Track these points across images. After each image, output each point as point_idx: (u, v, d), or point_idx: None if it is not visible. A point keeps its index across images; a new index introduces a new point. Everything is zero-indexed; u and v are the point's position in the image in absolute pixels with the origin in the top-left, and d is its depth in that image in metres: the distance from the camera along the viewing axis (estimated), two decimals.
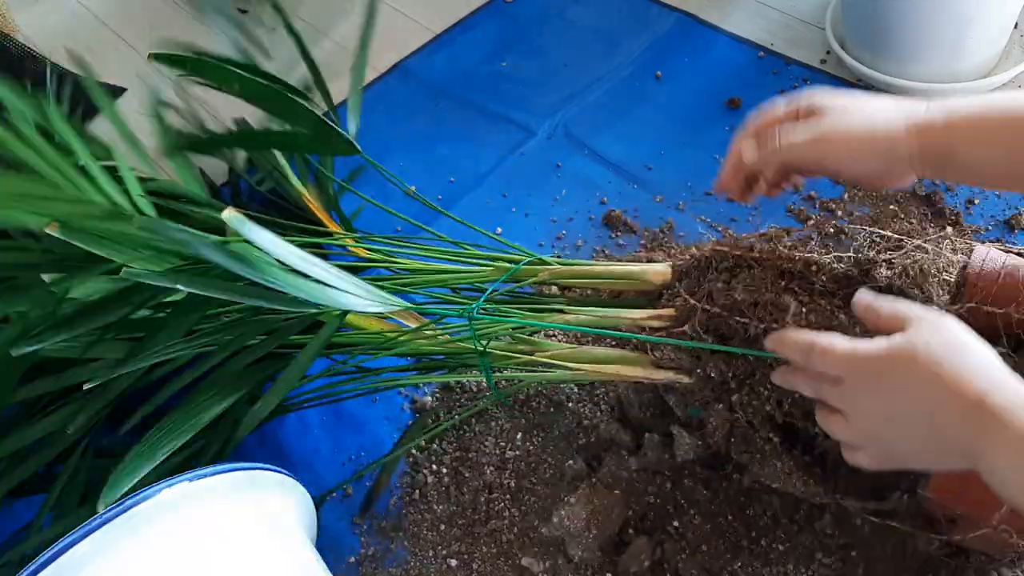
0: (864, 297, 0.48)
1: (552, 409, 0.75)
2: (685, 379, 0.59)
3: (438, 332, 0.67)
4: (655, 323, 0.61)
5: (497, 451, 0.74)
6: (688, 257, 0.63)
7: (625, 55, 1.08)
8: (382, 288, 0.64)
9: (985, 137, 0.47)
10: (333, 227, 0.80)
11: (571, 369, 0.62)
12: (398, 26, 1.16)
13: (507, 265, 0.69)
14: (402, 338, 0.67)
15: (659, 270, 0.64)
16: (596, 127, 1.01)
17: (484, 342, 0.63)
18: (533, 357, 0.63)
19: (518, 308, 0.78)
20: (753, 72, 1.02)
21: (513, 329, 0.66)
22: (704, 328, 0.58)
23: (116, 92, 1.20)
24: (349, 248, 0.78)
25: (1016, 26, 0.93)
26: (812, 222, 0.85)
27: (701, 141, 0.96)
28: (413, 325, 0.70)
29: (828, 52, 1.02)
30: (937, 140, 0.48)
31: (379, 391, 0.78)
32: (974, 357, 0.41)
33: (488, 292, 0.65)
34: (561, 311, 0.65)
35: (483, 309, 0.62)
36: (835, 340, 0.46)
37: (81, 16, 1.37)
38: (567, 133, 1.01)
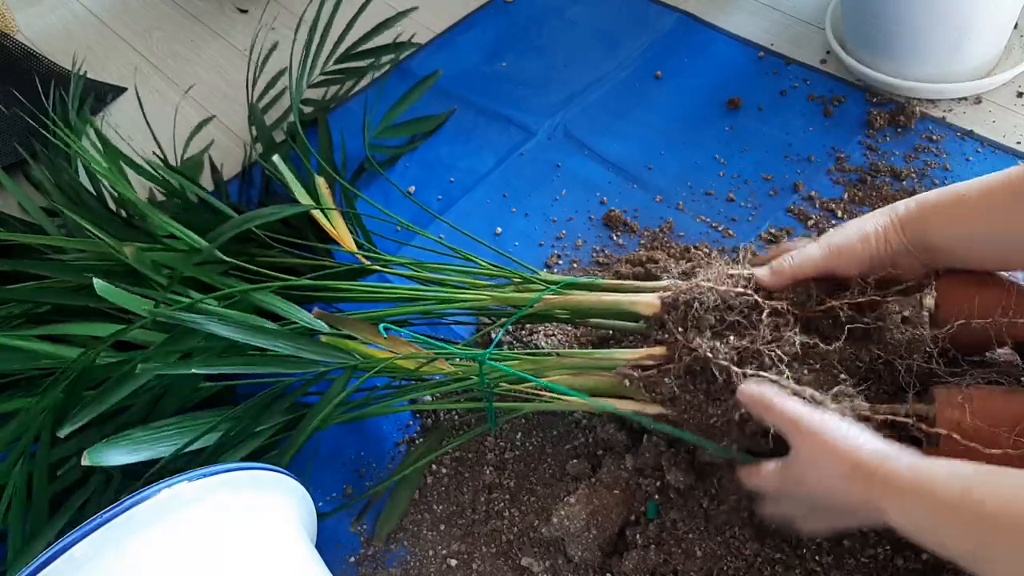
0: (754, 390, 0.54)
1: None
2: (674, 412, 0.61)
3: (461, 367, 0.69)
4: (648, 361, 0.62)
5: (497, 451, 0.74)
6: (672, 290, 0.64)
7: (625, 55, 1.08)
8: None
9: (956, 216, 0.54)
10: (342, 237, 0.80)
11: (568, 402, 0.64)
12: (397, 26, 1.16)
13: (504, 295, 0.71)
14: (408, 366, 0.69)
15: (648, 302, 0.64)
16: (596, 127, 1.01)
17: (490, 384, 0.65)
18: (534, 391, 0.65)
19: (518, 325, 0.79)
20: (753, 72, 1.02)
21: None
22: (689, 369, 0.60)
23: (116, 92, 1.21)
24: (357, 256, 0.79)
25: (1016, 26, 0.93)
26: (812, 222, 0.85)
27: (701, 141, 0.96)
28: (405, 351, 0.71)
29: (828, 52, 1.02)
30: (914, 227, 0.55)
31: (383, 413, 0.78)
32: (856, 440, 0.48)
33: (496, 339, 0.71)
34: (559, 354, 0.67)
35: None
36: (762, 472, 0.55)
37: (81, 16, 1.37)
38: (567, 133, 1.01)
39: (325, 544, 0.70)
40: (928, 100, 0.93)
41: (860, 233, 0.56)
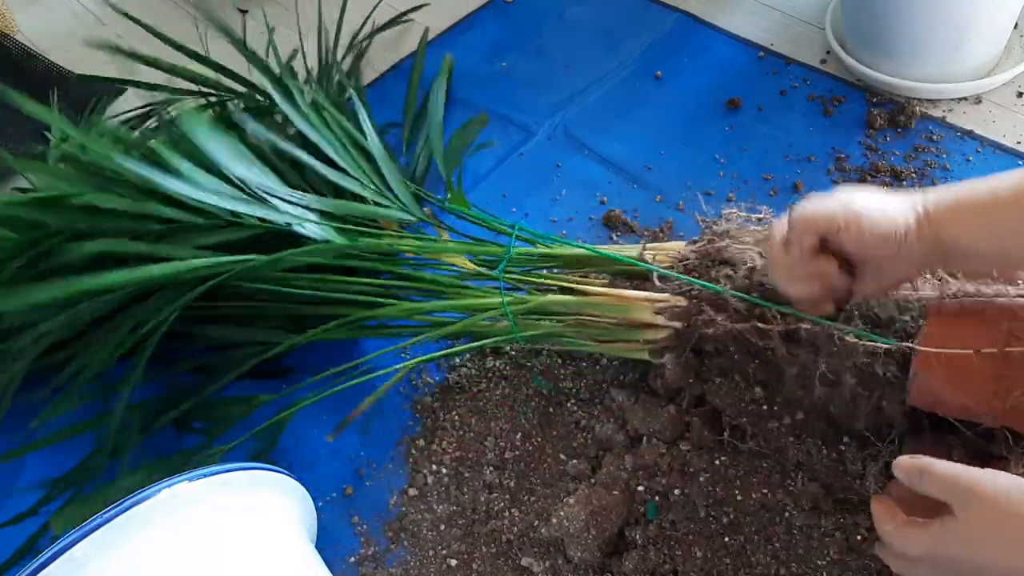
0: (914, 463, 0.48)
1: (552, 409, 0.75)
2: (678, 324, 0.64)
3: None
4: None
5: (497, 451, 0.74)
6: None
7: (625, 55, 1.08)
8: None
9: (971, 223, 0.49)
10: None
11: (583, 294, 0.67)
12: (397, 26, 1.16)
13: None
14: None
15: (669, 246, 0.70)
16: (596, 127, 1.01)
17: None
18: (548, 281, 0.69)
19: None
20: (753, 72, 1.02)
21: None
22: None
23: (116, 92, 1.20)
24: None
25: (1016, 26, 0.93)
26: None
27: (701, 141, 0.96)
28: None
29: (828, 52, 1.02)
30: (931, 228, 0.49)
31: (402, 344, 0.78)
32: None
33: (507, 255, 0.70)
34: (571, 289, 0.69)
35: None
36: (910, 532, 0.48)
37: (81, 16, 1.37)
38: (567, 133, 1.01)
39: (325, 544, 0.70)
40: (928, 100, 0.93)
41: (890, 226, 0.50)
